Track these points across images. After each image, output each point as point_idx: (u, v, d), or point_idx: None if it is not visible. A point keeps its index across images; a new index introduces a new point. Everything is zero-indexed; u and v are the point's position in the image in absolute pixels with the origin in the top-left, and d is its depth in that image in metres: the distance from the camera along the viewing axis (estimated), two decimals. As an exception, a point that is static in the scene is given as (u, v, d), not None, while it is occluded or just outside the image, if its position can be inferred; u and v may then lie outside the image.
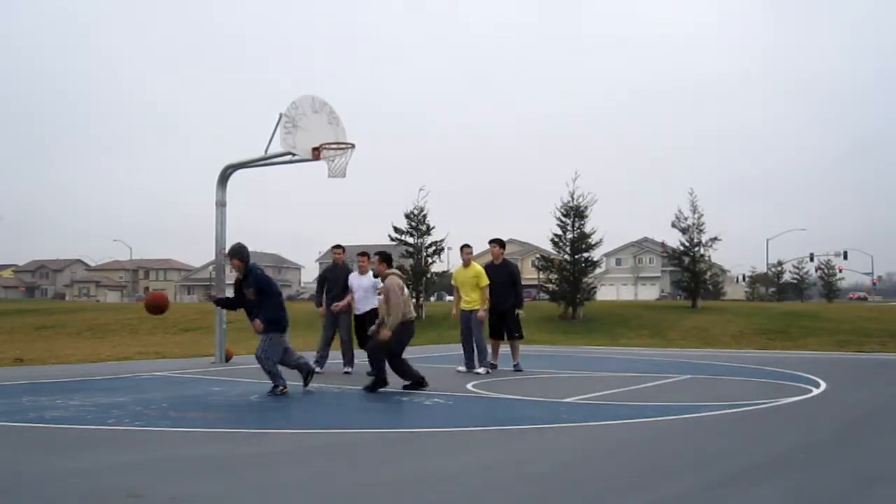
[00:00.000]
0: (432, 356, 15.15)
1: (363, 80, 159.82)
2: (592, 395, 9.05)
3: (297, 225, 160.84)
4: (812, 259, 66.80)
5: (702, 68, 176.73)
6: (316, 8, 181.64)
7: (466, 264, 11.83)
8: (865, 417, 7.70)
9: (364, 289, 11.48)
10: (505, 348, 12.23)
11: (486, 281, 11.57)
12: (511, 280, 11.98)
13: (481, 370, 11.41)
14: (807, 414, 7.83)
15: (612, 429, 6.78)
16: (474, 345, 11.56)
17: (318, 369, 10.93)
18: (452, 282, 12.23)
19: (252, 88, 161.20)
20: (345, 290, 11.58)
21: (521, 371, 11.73)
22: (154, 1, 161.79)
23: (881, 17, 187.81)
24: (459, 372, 11.49)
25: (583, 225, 29.34)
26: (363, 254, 11.61)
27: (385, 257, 9.61)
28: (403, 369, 9.36)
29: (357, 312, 11.62)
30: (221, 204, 13.66)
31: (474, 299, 11.62)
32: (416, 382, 9.31)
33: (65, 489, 4.45)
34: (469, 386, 9.80)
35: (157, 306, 9.78)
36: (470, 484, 4.67)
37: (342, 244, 11.95)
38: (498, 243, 12.23)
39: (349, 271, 11.77)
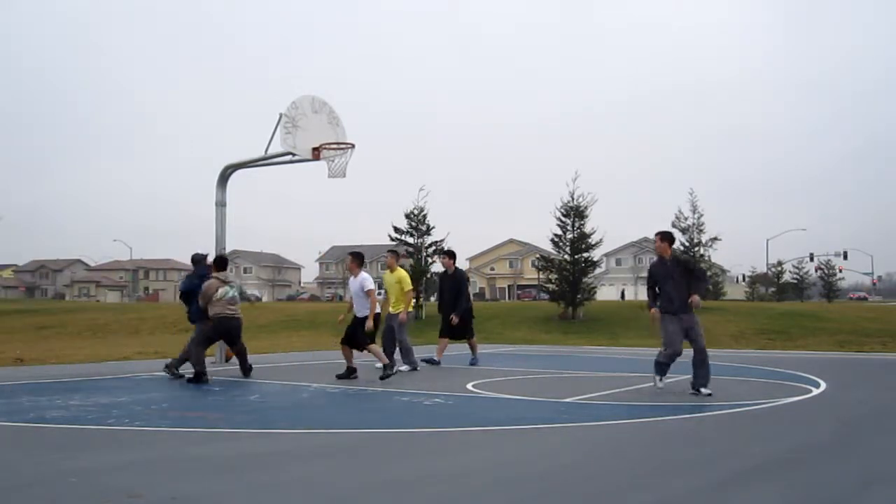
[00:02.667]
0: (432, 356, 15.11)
1: (364, 80, 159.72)
2: (592, 395, 9.05)
3: (296, 225, 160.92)
4: (812, 259, 66.80)
5: (702, 68, 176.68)
6: (316, 8, 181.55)
7: (391, 269, 12.14)
8: (865, 417, 7.70)
9: (354, 292, 10.93)
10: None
11: (409, 286, 12.03)
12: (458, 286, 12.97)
13: (404, 368, 11.78)
14: (807, 414, 7.83)
15: (612, 429, 6.79)
16: (396, 345, 11.95)
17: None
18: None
19: (252, 88, 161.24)
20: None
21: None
22: (154, 1, 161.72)
23: (883, 18, 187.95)
24: (377, 369, 11.70)
25: (583, 225, 29.35)
26: (352, 253, 10.99)
27: (211, 259, 10.71)
28: (195, 355, 10.29)
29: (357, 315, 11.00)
30: (221, 204, 13.67)
31: (397, 303, 11.98)
32: (173, 371, 10.57)
33: (65, 489, 4.45)
34: (469, 386, 9.81)
35: None
36: (470, 484, 4.67)
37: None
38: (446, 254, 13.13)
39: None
